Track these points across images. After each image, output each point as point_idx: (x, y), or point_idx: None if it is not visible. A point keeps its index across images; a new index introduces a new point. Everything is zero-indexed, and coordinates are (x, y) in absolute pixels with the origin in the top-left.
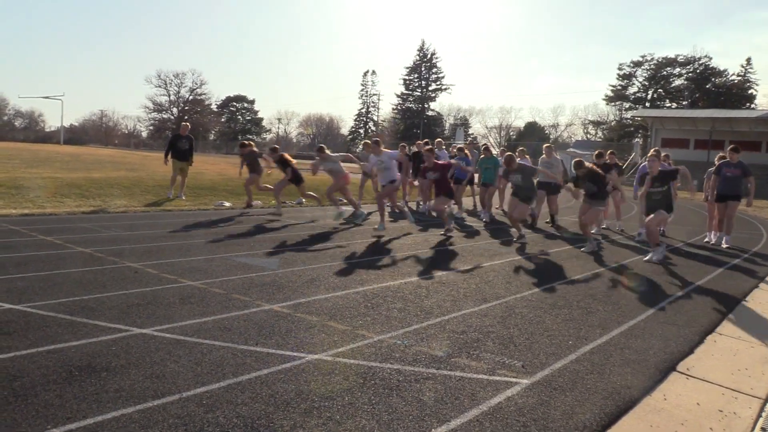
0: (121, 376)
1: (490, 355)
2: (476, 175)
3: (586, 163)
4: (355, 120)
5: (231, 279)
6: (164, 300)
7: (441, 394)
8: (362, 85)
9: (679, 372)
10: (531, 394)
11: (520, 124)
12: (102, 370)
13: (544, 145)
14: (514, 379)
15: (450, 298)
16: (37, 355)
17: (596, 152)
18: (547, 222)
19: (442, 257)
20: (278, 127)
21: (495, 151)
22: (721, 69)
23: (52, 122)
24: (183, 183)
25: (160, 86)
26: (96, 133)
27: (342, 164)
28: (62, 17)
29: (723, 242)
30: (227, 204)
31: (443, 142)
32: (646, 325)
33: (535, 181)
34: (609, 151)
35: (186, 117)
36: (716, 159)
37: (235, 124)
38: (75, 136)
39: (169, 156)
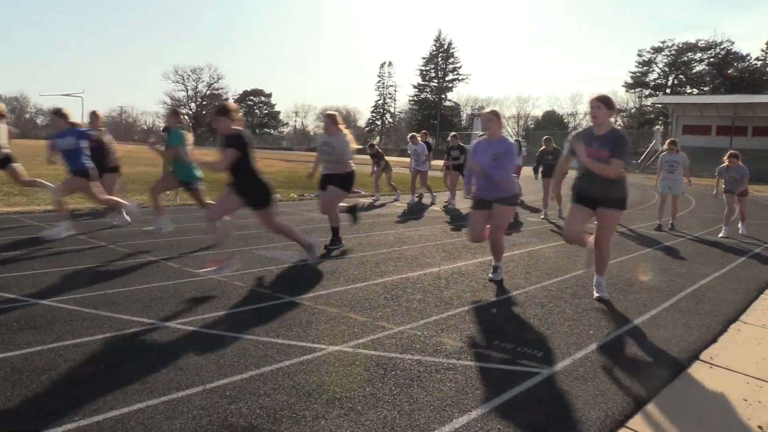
0: (145, 369)
1: (511, 345)
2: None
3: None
4: (372, 112)
5: (251, 272)
6: (186, 293)
7: (462, 384)
8: (379, 76)
9: (702, 361)
10: (552, 384)
11: (538, 113)
12: (127, 362)
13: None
14: (534, 369)
15: (469, 288)
16: (64, 349)
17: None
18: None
19: (461, 248)
20: (295, 121)
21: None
22: (744, 53)
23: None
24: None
25: (177, 81)
26: (116, 129)
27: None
28: (81, 15)
29: (740, 230)
30: None
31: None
32: (668, 314)
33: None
34: None
35: (204, 112)
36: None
37: (252, 118)
38: None
39: None
